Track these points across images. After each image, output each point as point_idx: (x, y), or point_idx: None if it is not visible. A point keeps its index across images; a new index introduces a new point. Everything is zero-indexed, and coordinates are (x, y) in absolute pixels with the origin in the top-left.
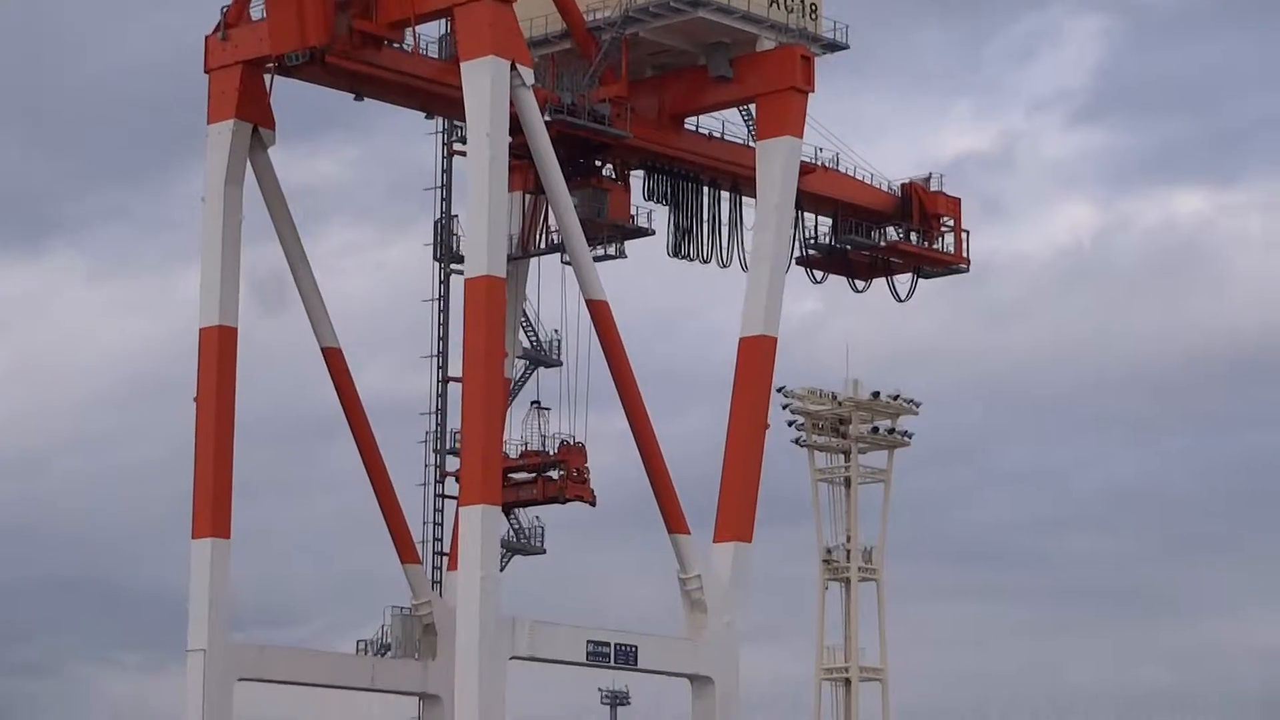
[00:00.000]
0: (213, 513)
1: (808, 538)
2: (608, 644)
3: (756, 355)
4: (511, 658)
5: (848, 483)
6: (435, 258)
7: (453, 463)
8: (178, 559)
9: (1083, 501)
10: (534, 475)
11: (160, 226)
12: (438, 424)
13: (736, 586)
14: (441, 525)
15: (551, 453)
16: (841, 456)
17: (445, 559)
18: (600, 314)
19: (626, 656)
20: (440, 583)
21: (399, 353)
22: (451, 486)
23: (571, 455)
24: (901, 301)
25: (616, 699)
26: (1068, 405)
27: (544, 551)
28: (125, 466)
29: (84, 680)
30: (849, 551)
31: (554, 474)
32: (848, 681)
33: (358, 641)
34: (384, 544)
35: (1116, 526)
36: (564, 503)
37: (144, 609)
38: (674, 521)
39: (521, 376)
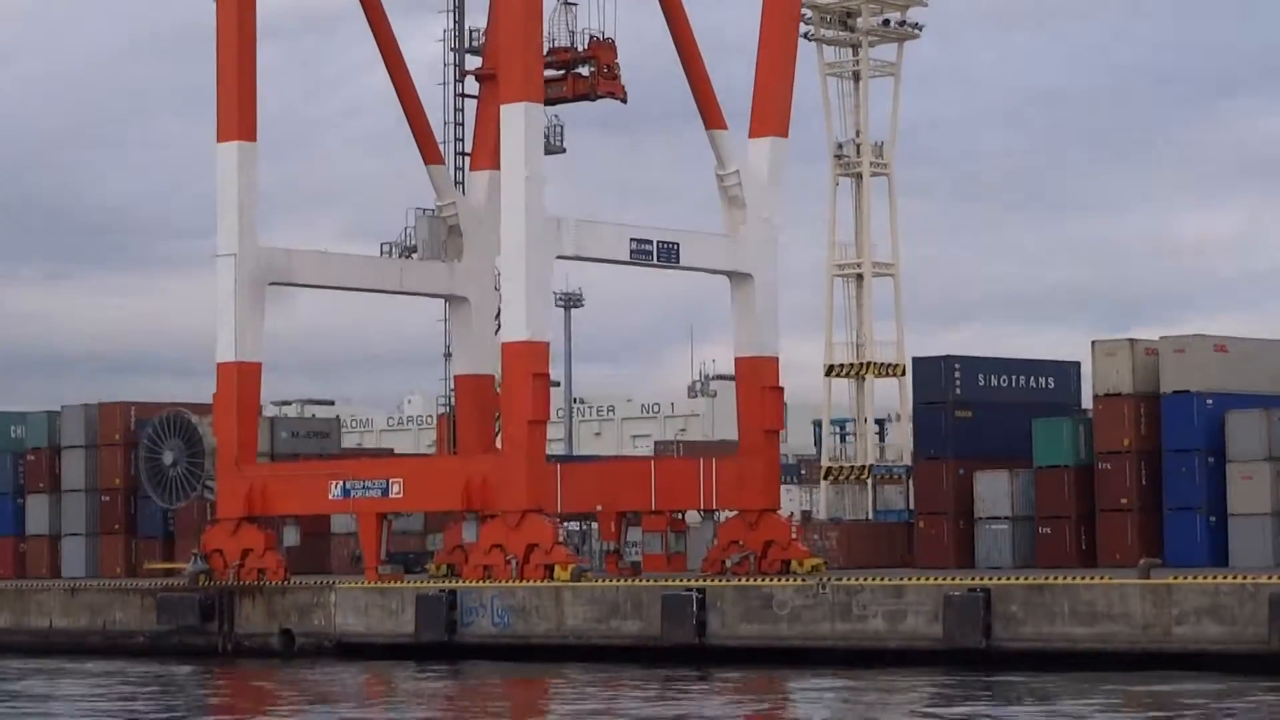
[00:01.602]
0: (239, 115)
1: (818, 138)
2: (650, 242)
3: None
4: (558, 257)
5: (856, 77)
6: None
7: (472, 61)
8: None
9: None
10: (563, 72)
11: None
12: (455, 21)
13: (774, 182)
14: (463, 125)
15: (581, 49)
16: (850, 51)
17: (467, 159)
18: None
19: (669, 254)
20: (463, 183)
21: None
22: (471, 86)
23: (601, 51)
24: None
25: (570, 301)
26: None
27: (564, 150)
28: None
29: None
30: (859, 146)
31: (584, 70)
32: (859, 276)
33: (381, 244)
34: (399, 145)
35: None
36: (594, 100)
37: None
38: (711, 116)
39: None
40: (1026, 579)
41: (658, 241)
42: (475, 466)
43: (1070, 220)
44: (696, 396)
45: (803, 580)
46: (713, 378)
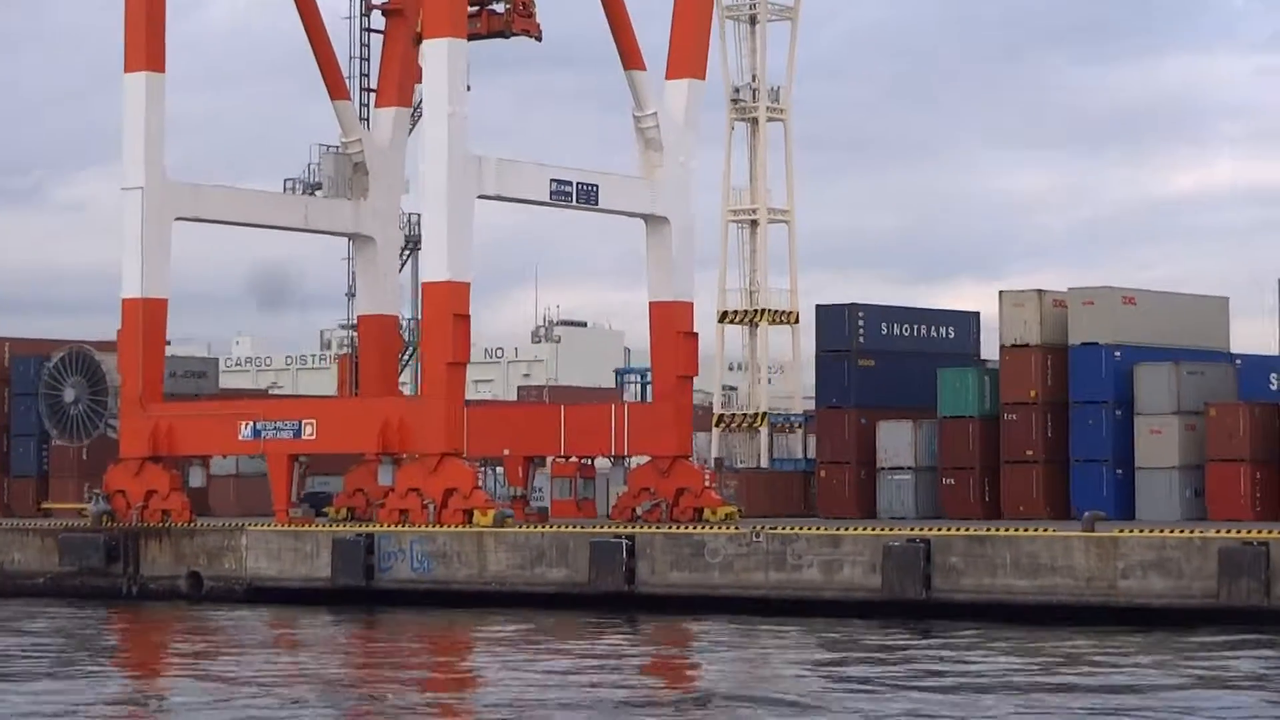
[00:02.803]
0: (147, 44)
1: (715, 83)
2: (570, 183)
3: None
4: (479, 196)
5: (754, 20)
6: None
7: None
8: None
9: None
10: (477, 9)
11: None
12: None
13: (690, 125)
14: (369, 61)
15: None
16: None
17: (373, 95)
18: None
19: (588, 196)
20: (368, 120)
21: None
22: (377, 21)
23: None
24: None
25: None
26: None
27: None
28: None
29: None
30: (755, 91)
31: (498, 7)
32: (754, 223)
33: (285, 180)
34: (306, 81)
35: None
36: (508, 37)
37: None
38: (630, 57)
39: None
40: (968, 530)
41: (577, 183)
42: (392, 408)
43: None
44: (540, 342)
45: (735, 528)
46: (557, 323)
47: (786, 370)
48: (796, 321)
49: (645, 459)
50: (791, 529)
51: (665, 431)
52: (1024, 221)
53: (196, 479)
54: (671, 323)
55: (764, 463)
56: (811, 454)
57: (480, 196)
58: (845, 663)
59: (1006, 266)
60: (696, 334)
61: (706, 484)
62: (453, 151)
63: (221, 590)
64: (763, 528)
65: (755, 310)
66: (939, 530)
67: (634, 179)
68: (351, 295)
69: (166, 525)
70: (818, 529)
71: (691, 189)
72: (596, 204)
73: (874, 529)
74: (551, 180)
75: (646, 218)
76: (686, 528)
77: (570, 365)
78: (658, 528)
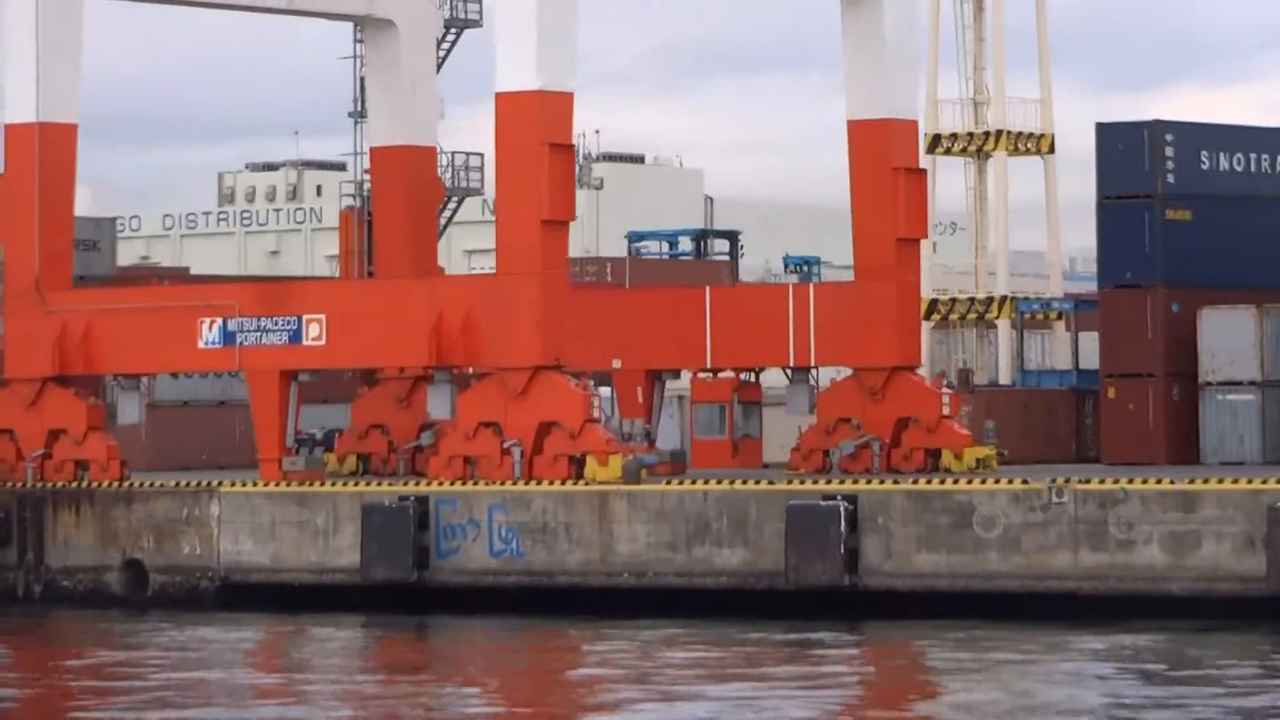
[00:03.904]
0: None
1: None
2: None
3: None
4: None
5: None
6: None
7: None
8: None
9: None
10: None
11: None
12: None
13: None
14: None
15: None
16: None
17: None
18: None
19: None
20: None
21: None
22: None
23: None
24: None
25: None
26: None
27: None
28: None
29: None
30: None
31: None
32: None
33: None
34: None
35: None
36: None
37: None
38: None
39: None
40: None
41: None
42: (451, 294)
43: None
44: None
45: (1023, 482)
46: (597, 158)
47: (1038, 229)
48: (1051, 150)
49: (844, 372)
50: (1115, 482)
51: (879, 329)
52: None
53: (129, 412)
54: (883, 151)
55: (1005, 377)
56: (1086, 363)
57: None
58: None
59: None
60: (924, 171)
61: (945, 412)
62: None
63: (178, 590)
64: (1067, 480)
65: (986, 133)
66: None
67: None
68: (359, 118)
69: (86, 485)
70: (1160, 482)
71: None
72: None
73: (1250, 481)
74: None
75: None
76: (930, 481)
77: (619, 225)
78: (894, 482)
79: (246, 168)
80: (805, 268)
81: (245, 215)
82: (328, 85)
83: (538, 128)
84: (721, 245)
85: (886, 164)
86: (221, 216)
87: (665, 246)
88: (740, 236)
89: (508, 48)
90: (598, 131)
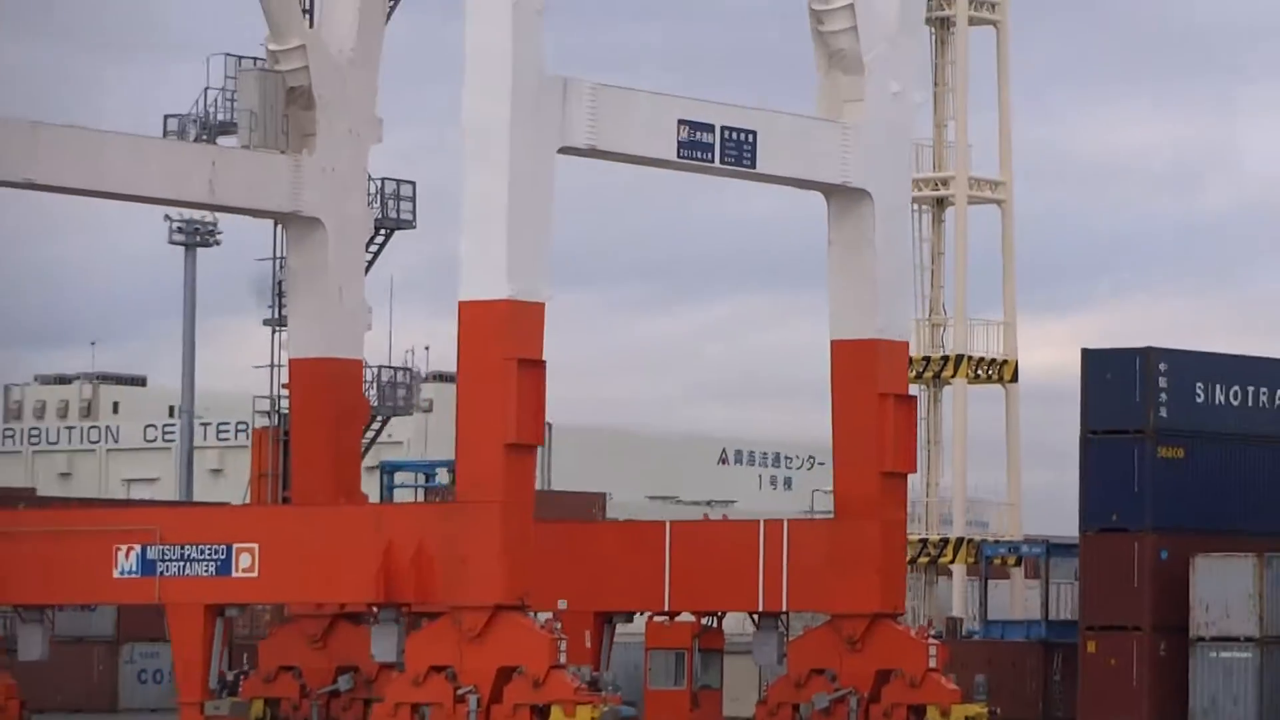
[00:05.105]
0: None
1: None
2: (712, 129)
3: None
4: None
5: None
6: None
7: None
8: None
9: None
10: None
11: None
12: None
13: (908, 31)
14: None
15: None
16: None
17: None
18: None
19: (740, 151)
20: (311, 12)
21: None
22: None
23: None
24: None
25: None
26: None
27: None
28: None
29: None
30: None
31: None
32: (940, 202)
33: (166, 119)
34: None
35: None
36: None
37: None
38: None
39: None
40: None
41: (724, 129)
42: (402, 523)
43: None
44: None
45: None
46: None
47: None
48: (1014, 379)
49: (819, 618)
50: None
51: (860, 571)
52: None
53: (31, 648)
54: (869, 375)
55: (966, 626)
56: (1057, 613)
57: (563, 150)
58: None
59: None
60: (914, 398)
61: (931, 664)
62: (520, 65)
63: None
64: None
65: (943, 358)
66: None
67: (810, 122)
68: (276, 325)
69: None
70: None
71: (908, 143)
72: (753, 165)
73: None
74: (681, 123)
75: (830, 190)
76: None
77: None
78: None
79: (36, 380)
80: None
81: (34, 433)
82: (134, 284)
83: (506, 341)
84: None
85: (873, 389)
86: (8, 433)
87: None
88: None
89: (474, 250)
90: (427, 348)
